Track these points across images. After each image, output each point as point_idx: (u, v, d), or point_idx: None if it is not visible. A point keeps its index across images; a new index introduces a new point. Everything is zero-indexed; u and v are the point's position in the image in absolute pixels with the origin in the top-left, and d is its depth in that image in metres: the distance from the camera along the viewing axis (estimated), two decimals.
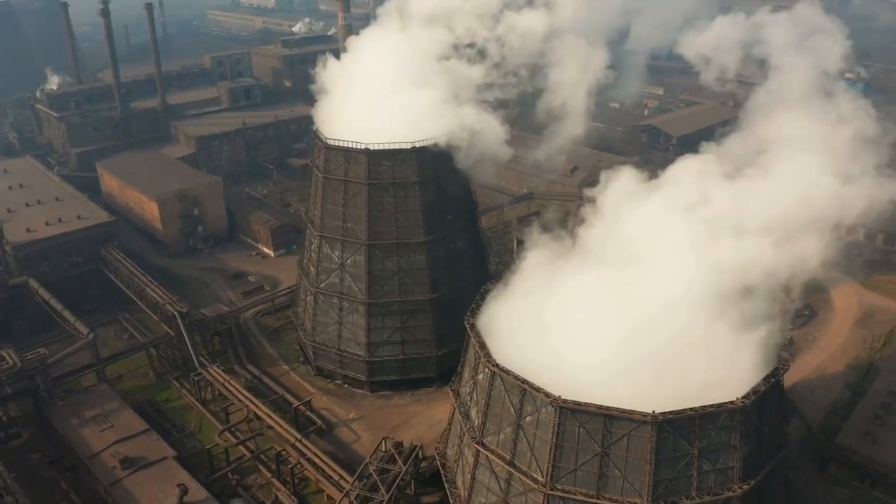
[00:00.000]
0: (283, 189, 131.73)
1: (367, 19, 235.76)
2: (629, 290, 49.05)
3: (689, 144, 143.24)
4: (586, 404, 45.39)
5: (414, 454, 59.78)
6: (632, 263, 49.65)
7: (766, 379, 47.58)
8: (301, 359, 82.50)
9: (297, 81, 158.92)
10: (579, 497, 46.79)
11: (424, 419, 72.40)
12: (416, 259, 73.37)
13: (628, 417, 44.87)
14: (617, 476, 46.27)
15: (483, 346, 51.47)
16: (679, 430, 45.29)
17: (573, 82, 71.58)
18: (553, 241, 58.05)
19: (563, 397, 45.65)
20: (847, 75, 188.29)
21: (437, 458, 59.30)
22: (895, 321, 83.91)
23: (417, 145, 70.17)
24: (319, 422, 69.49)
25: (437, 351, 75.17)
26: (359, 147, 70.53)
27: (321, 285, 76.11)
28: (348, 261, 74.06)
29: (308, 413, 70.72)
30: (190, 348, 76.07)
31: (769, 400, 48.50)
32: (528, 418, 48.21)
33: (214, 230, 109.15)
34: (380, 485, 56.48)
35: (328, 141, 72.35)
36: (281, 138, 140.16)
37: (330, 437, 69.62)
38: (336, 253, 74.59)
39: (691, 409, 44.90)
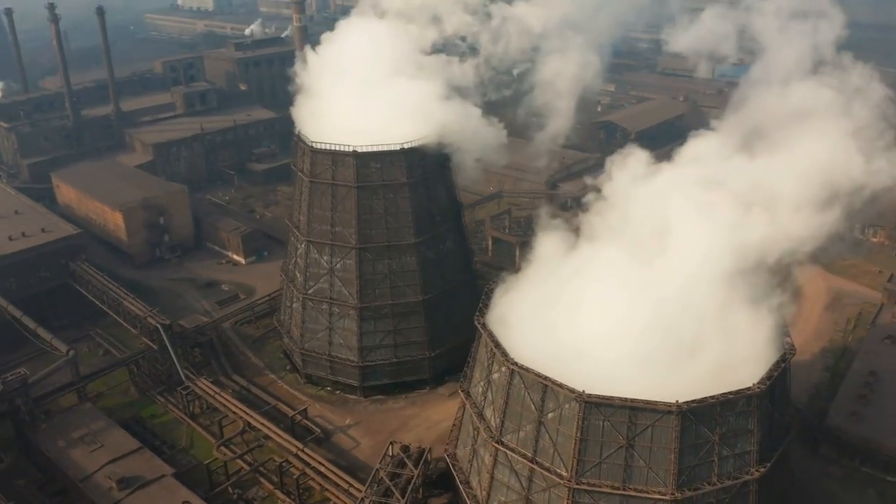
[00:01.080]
0: (245, 195, 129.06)
1: (313, 20, 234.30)
2: (641, 280, 49.57)
3: (647, 139, 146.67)
4: (611, 398, 45.93)
5: (423, 457, 59.37)
6: (646, 248, 50.18)
7: (777, 364, 49.00)
8: (288, 367, 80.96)
9: (252, 84, 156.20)
10: (605, 490, 47.31)
11: (422, 421, 71.98)
12: (406, 261, 72.88)
13: (653, 408, 45.60)
14: (641, 467, 46.98)
15: (498, 345, 51.45)
16: (701, 417, 46.26)
17: (560, 81, 72.32)
18: (557, 236, 57.99)
19: (587, 392, 46.05)
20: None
21: (448, 459, 59.00)
22: (862, 304, 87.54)
23: (406, 146, 69.68)
24: (318, 430, 68.33)
25: (430, 352, 74.85)
26: (346, 149, 69.65)
27: (309, 291, 74.83)
28: (338, 265, 73.05)
29: (305, 421, 69.48)
30: (175, 361, 73.79)
31: (779, 384, 49.97)
32: (550, 415, 48.46)
33: (181, 239, 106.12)
34: (394, 490, 55.92)
35: (314, 144, 71.13)
36: (240, 143, 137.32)
37: (329, 444, 68.53)
38: (325, 258, 73.47)
39: (713, 397, 45.90)
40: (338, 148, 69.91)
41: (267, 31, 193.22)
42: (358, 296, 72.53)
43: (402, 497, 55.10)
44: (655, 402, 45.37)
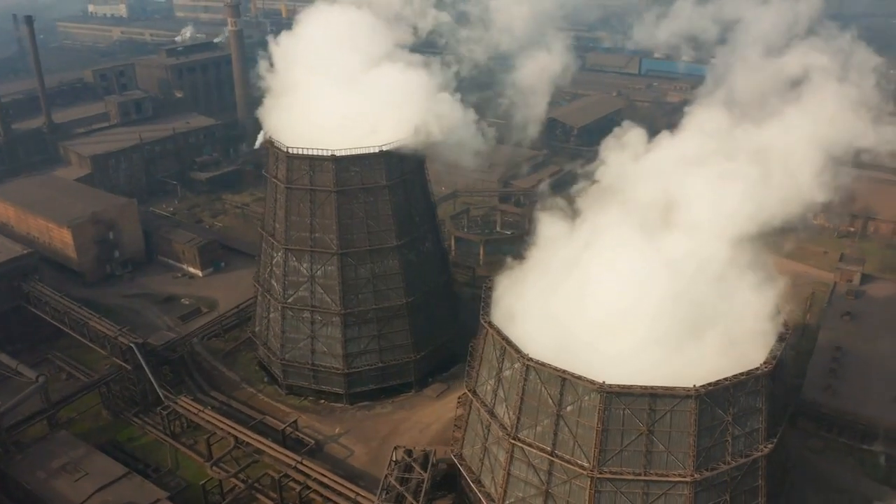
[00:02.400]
0: (190, 205, 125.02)
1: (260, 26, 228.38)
2: (647, 261, 50.30)
3: (589, 135, 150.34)
4: (631, 386, 46.83)
5: (430, 459, 59.00)
6: (652, 225, 51.17)
7: (778, 343, 51.04)
8: (266, 379, 78.90)
9: (187, 91, 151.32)
10: (627, 477, 48.22)
11: (413, 425, 71.50)
12: (389, 264, 72.22)
13: (672, 394, 46.78)
14: (661, 451, 48.11)
15: (510, 342, 51.64)
16: (716, 400, 47.74)
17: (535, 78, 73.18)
18: (555, 228, 58.32)
19: (607, 382, 46.83)
20: (713, 61, 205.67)
21: (456, 460, 58.80)
22: (814, 284, 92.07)
23: (384, 148, 69.00)
24: (312, 441, 66.89)
25: (416, 355, 74.44)
26: (324, 154, 68.43)
27: (289, 300, 73.15)
28: (318, 272, 71.67)
29: (297, 433, 67.90)
30: (153, 381, 70.76)
31: (780, 363, 51.99)
32: (568, 408, 49.00)
33: (131, 254, 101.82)
34: (406, 495, 55.34)
35: (290, 149, 69.50)
36: (180, 152, 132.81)
37: (322, 455, 67.11)
38: (304, 265, 71.96)
39: (726, 379, 47.47)
40: (315, 153, 68.58)
41: (199, 35, 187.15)
42: (341, 302, 71.40)
43: (417, 501, 54.59)
44: (674, 388, 46.58)
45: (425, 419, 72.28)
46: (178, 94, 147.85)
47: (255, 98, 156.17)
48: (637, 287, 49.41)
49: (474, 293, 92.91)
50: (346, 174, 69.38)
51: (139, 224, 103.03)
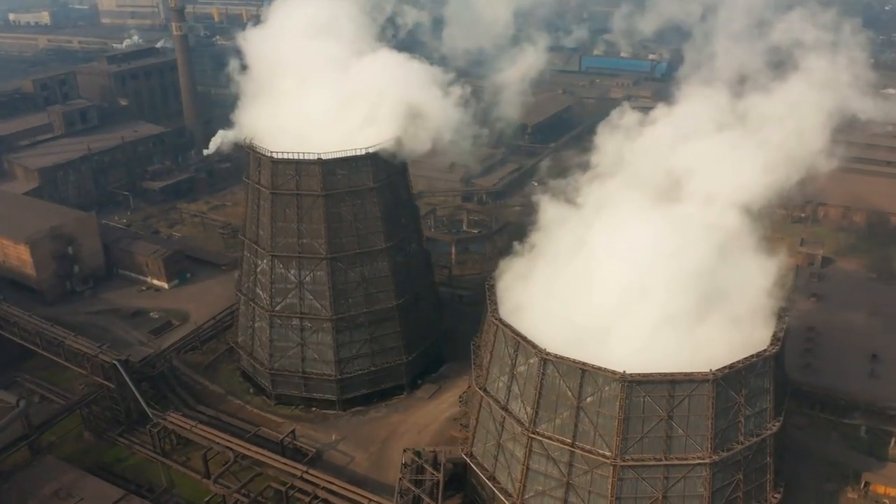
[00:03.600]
0: (144, 216, 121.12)
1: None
2: (651, 243, 50.94)
3: (542, 132, 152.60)
4: (651, 374, 47.92)
5: (440, 460, 58.89)
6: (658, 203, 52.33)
7: (780, 325, 52.98)
8: (251, 390, 77.13)
9: (132, 99, 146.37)
10: (649, 463, 49.28)
11: (410, 427, 71.15)
12: (379, 266, 71.65)
13: (690, 380, 48.04)
14: (680, 436, 49.38)
15: (525, 338, 51.99)
16: (730, 382, 49.27)
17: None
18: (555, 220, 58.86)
19: (628, 372, 47.75)
20: (651, 56, 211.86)
21: (467, 459, 58.83)
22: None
23: (371, 150, 68.36)
24: (312, 450, 65.78)
25: (407, 357, 74.08)
26: (311, 158, 67.35)
27: (277, 308, 71.70)
28: (307, 278, 70.50)
29: (295, 443, 66.63)
30: (139, 398, 68.26)
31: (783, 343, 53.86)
32: (588, 399, 49.72)
33: (92, 269, 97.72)
34: (423, 496, 55.08)
35: (274, 154, 68.10)
36: (130, 162, 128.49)
37: (322, 463, 66.00)
38: (292, 272, 70.66)
39: (740, 362, 49.04)
40: (301, 156, 67.44)
41: (137, 42, 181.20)
42: (331, 307, 70.39)
43: (435, 501, 54.43)
44: (693, 374, 47.84)
45: (422, 420, 72.03)
46: (123, 102, 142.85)
47: (203, 103, 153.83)
48: (645, 264, 50.18)
49: (452, 293, 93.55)
50: (333, 177, 68.47)
51: (98, 238, 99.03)
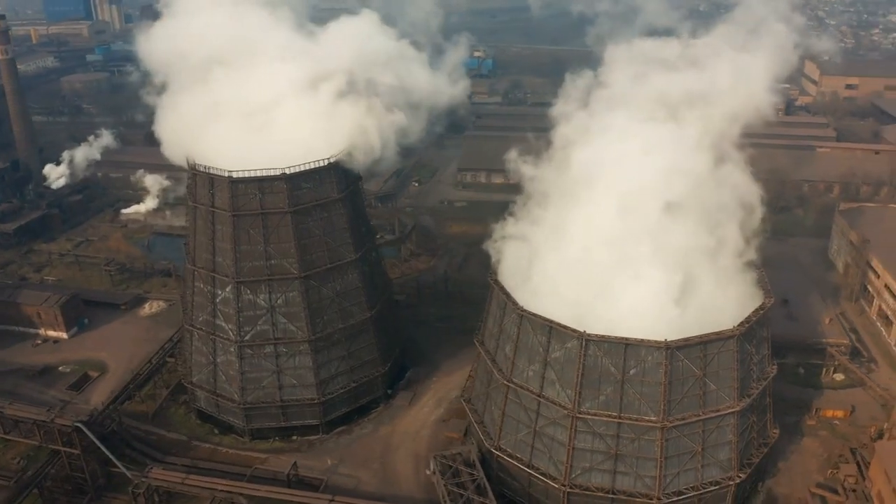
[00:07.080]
0: (1, 262, 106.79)
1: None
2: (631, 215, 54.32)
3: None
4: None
5: (473, 458, 59.18)
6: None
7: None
8: (216, 430, 71.62)
9: None
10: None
11: (403, 436, 70.13)
12: (350, 279, 69.66)
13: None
14: (713, 391, 53.80)
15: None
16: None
17: None
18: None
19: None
20: (475, 53, 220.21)
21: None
22: None
23: (333, 160, 66.27)
24: (322, 479, 62.74)
25: (383, 367, 72.81)
26: (275, 174, 63.94)
27: (246, 338, 67.23)
28: (279, 301, 66.85)
29: (298, 474, 63.10)
30: (115, 460, 60.99)
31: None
32: (632, 371, 52.59)
33: None
34: (473, 497, 55.04)
35: (233, 174, 63.68)
36: None
37: (330, 490, 62.89)
38: (262, 297, 66.62)
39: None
40: (265, 173, 63.80)
41: None
42: (308, 328, 67.35)
43: (486, 498, 54.79)
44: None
45: (411, 428, 71.22)
46: None
47: (37, 133, 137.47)
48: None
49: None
50: (299, 192, 65.48)
51: None
